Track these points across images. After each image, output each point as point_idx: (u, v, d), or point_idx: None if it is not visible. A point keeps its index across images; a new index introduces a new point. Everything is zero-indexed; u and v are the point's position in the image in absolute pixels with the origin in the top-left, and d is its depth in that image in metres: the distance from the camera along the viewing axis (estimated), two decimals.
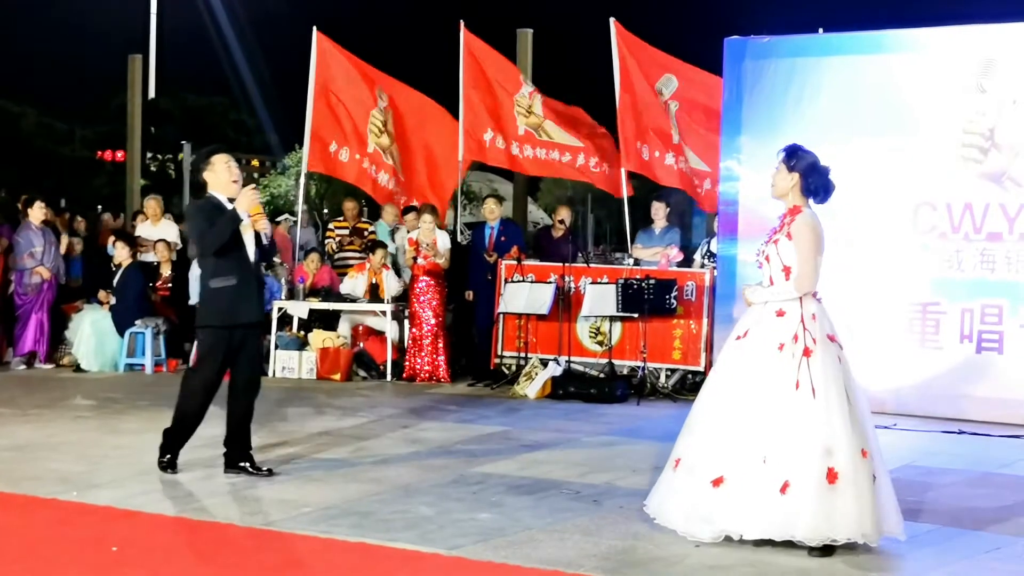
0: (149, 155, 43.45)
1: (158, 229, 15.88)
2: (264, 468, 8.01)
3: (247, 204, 7.81)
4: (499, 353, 13.71)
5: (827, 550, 6.14)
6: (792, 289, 6.44)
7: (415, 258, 13.52)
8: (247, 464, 7.99)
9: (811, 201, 6.64)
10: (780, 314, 6.43)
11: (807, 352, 6.29)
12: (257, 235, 7.95)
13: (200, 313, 8.03)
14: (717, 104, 13.14)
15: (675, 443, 6.69)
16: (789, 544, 6.17)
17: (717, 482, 6.29)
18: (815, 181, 6.59)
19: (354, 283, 14.30)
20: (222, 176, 7.95)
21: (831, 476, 6.10)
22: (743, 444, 6.27)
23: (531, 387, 12.51)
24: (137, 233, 15.94)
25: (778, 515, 6.13)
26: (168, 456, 8.02)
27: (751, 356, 6.44)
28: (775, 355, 6.35)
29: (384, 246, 14.72)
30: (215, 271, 7.88)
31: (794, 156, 6.64)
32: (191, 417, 7.99)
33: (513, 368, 13.35)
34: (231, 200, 7.89)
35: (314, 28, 15.21)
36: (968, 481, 8.37)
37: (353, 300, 14.11)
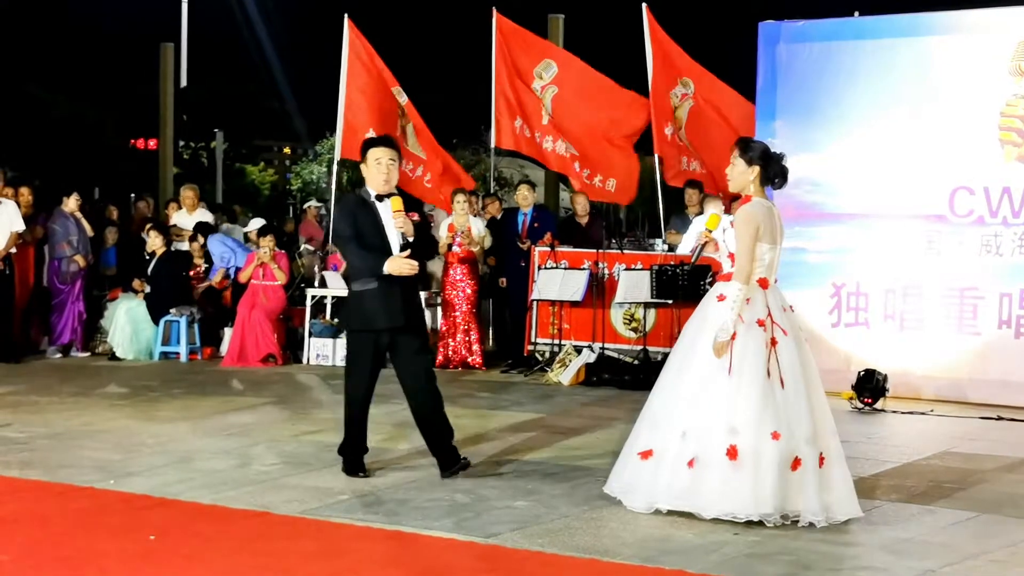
0: (181, 143, 43.57)
1: (193, 218, 15.93)
2: (464, 459, 7.66)
3: (394, 268, 7.41)
4: (533, 340, 13.69)
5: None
6: (738, 285, 6.61)
7: (450, 245, 13.49)
8: (441, 469, 7.66)
9: (766, 190, 6.86)
10: (720, 298, 6.68)
11: (733, 335, 6.53)
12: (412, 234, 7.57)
13: (343, 315, 7.84)
14: (727, 117, 13.47)
15: None
16: (752, 523, 6.34)
17: (645, 455, 6.60)
18: (773, 169, 6.82)
19: None
20: (371, 173, 7.56)
21: (731, 453, 6.35)
22: (669, 420, 6.57)
23: (565, 374, 12.49)
24: (173, 222, 16.00)
25: (683, 487, 6.42)
26: (352, 468, 7.69)
27: (692, 338, 6.73)
28: (708, 337, 6.60)
29: None
30: (357, 273, 7.69)
31: (749, 148, 6.83)
32: (354, 423, 7.70)
33: (547, 355, 13.32)
34: (379, 198, 7.55)
35: (345, 16, 15.19)
36: (1008, 467, 8.30)
37: None
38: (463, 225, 13.48)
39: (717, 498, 6.35)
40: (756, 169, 6.75)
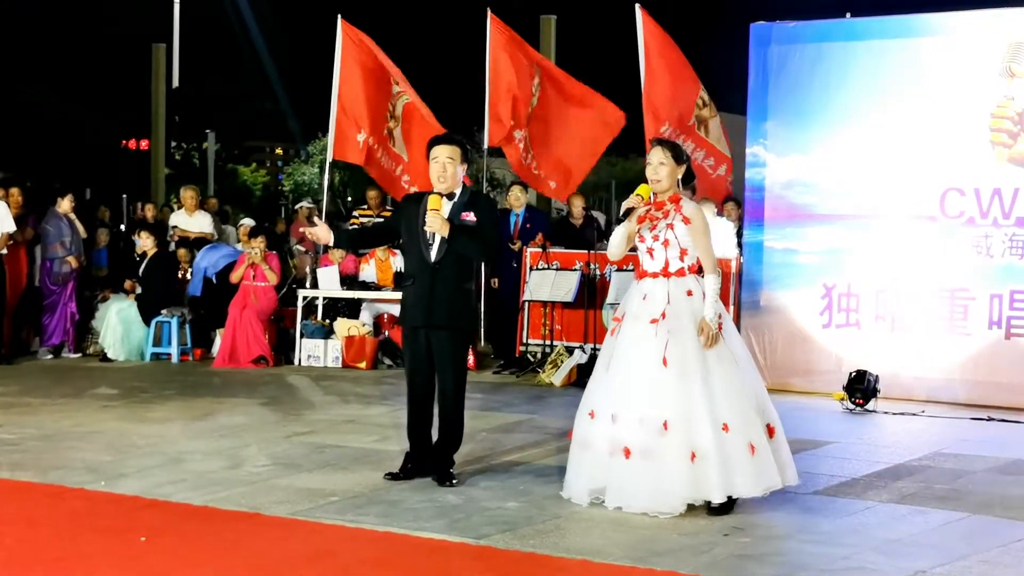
0: (173, 144, 43.52)
1: (194, 219, 15.92)
2: (452, 481, 7.43)
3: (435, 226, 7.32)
4: (524, 341, 13.69)
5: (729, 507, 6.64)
6: (714, 277, 6.82)
7: None
8: (432, 476, 7.49)
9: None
10: (690, 294, 6.84)
11: (719, 327, 6.77)
12: (452, 233, 7.33)
13: None
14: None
15: (578, 427, 7.01)
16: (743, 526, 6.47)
17: (691, 457, 6.58)
18: (688, 168, 7.05)
19: (366, 272, 14.36)
20: (430, 170, 7.44)
21: (770, 432, 6.75)
22: (703, 417, 6.58)
23: (557, 375, 12.49)
24: (173, 223, 15.99)
25: (751, 473, 6.59)
26: (404, 465, 7.60)
27: (676, 335, 6.72)
28: (693, 332, 6.74)
29: None
30: (405, 269, 7.82)
31: (675, 148, 7.05)
32: (409, 422, 7.60)
33: (538, 356, 13.32)
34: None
35: (338, 16, 15.17)
36: (998, 468, 8.30)
37: (378, 288, 14.11)
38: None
39: (775, 475, 6.67)
40: (683, 168, 6.99)
